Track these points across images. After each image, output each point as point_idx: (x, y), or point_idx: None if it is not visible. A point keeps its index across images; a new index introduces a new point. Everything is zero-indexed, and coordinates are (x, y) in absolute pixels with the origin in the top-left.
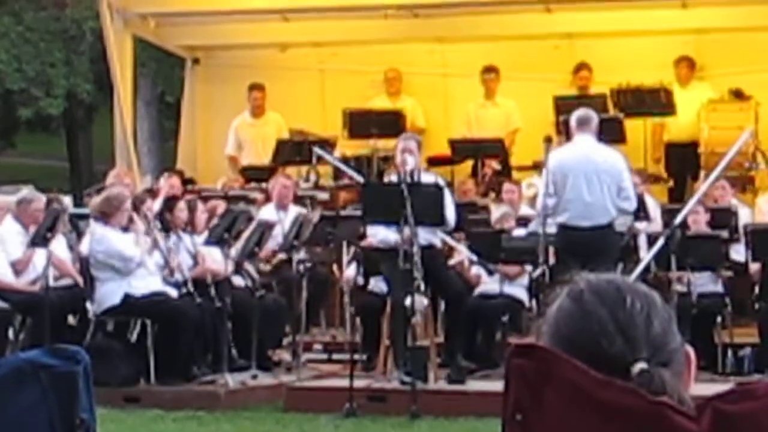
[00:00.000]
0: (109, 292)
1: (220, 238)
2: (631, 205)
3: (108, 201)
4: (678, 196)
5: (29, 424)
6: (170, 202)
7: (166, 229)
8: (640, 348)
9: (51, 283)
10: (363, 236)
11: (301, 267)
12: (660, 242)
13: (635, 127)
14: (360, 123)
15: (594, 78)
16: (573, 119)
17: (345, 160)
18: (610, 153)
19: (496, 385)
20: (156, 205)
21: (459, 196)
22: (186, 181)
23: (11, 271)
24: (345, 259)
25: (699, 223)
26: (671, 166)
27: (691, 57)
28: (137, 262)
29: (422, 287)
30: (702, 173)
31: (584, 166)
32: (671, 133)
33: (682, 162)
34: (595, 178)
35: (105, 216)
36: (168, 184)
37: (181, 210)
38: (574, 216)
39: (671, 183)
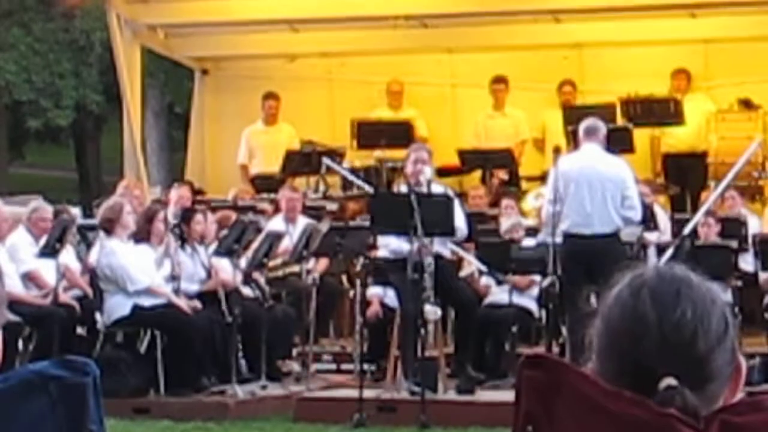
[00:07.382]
0: (118, 304)
1: (229, 249)
2: (636, 214)
3: (107, 210)
4: (678, 207)
5: None
6: (187, 214)
7: (182, 240)
8: (674, 364)
9: (61, 294)
10: (372, 247)
11: (311, 278)
12: (669, 252)
13: (641, 137)
14: (368, 133)
15: (597, 89)
16: (581, 128)
17: (354, 170)
18: (615, 162)
19: (506, 396)
20: (169, 214)
21: (472, 202)
22: (195, 192)
23: (21, 284)
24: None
25: (710, 235)
26: (670, 178)
27: (688, 69)
28: (145, 286)
29: (432, 297)
30: (711, 183)
31: (588, 175)
32: (669, 145)
33: (682, 173)
34: (598, 186)
35: (108, 225)
36: (177, 194)
37: (198, 222)
38: (574, 224)
39: (671, 192)
